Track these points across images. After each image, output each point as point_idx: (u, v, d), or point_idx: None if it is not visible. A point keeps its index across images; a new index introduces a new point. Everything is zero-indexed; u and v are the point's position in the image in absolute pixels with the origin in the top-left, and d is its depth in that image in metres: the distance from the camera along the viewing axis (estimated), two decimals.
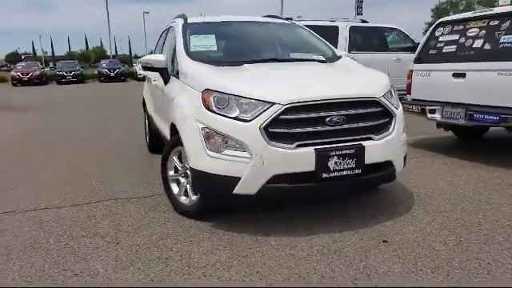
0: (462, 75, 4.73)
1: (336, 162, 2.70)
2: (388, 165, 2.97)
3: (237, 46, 4.03)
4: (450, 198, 3.60)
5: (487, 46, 4.59)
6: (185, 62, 3.44)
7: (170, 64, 3.80)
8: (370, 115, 2.88)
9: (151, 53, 5.74)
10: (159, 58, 3.69)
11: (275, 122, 2.64)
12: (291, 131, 2.67)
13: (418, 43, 9.56)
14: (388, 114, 2.96)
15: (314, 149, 2.68)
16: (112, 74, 29.27)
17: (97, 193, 3.96)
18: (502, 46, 4.41)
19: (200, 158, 2.82)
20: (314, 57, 3.80)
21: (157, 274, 2.42)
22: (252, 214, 3.23)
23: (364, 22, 9.76)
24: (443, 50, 5.14)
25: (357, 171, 2.79)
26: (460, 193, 3.73)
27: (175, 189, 3.38)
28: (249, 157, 2.65)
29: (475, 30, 4.80)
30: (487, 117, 4.36)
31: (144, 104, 5.90)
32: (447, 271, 2.37)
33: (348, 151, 2.73)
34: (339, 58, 3.82)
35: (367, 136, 2.85)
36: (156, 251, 2.71)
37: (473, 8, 57.99)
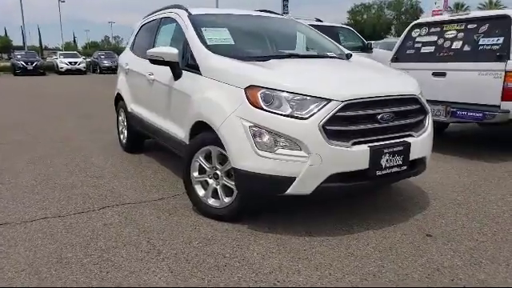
0: (443, 74, 5.03)
1: (387, 160, 2.72)
2: (422, 160, 3.06)
3: (251, 41, 3.89)
4: (455, 190, 3.82)
5: (467, 48, 4.93)
6: (208, 57, 3.24)
7: (180, 58, 3.54)
8: (410, 112, 2.94)
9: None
10: (171, 51, 3.43)
11: (332, 119, 2.58)
12: (347, 129, 2.64)
13: (369, 43, 10.13)
14: (423, 112, 3.04)
15: (368, 146, 2.67)
16: (30, 67, 26.73)
17: (96, 199, 3.60)
18: (481, 47, 4.76)
19: (248, 157, 2.67)
20: (329, 53, 3.80)
21: (228, 283, 2.26)
22: (283, 213, 3.16)
23: (318, 20, 9.98)
24: (421, 50, 5.43)
25: (403, 168, 2.83)
26: (461, 185, 3.96)
27: (200, 191, 3.18)
28: (305, 156, 2.56)
29: (453, 32, 5.13)
30: (470, 114, 4.68)
31: (117, 101, 5.48)
32: (505, 261, 2.49)
33: (398, 148, 2.76)
34: (351, 55, 3.85)
35: (408, 133, 2.91)
36: (209, 259, 2.53)
37: (383, 11, 62.19)
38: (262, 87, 2.68)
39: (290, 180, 2.61)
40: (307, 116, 2.57)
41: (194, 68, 3.35)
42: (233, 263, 2.47)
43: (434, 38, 5.33)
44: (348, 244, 2.71)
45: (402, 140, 2.82)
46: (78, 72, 27.48)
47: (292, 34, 4.19)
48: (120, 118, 5.45)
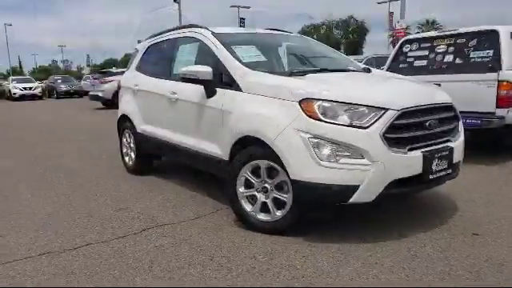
0: (437, 85, 5.35)
1: (437, 164, 2.88)
2: (459, 164, 3.25)
3: (279, 57, 3.99)
4: (471, 190, 4.05)
5: (458, 60, 5.30)
6: (248, 73, 3.30)
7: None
8: (448, 119, 3.14)
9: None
10: (206, 70, 3.46)
11: (390, 127, 2.71)
12: (403, 136, 2.77)
13: None
14: (457, 118, 3.25)
15: (421, 152, 2.81)
16: None
17: (130, 222, 3.50)
18: (473, 60, 5.15)
19: (309, 168, 2.73)
20: (351, 68, 3.97)
21: None
22: (331, 223, 3.23)
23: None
24: (414, 64, 5.78)
25: (448, 171, 3.00)
26: (474, 185, 4.21)
27: (248, 206, 3.19)
28: (368, 164, 2.66)
29: (443, 46, 5.51)
30: (469, 121, 5.01)
31: (121, 123, 5.37)
32: None
33: (444, 153, 2.93)
34: (369, 69, 4.05)
35: (448, 138, 3.10)
36: (283, 271, 2.54)
37: (332, 32, 64.94)
38: (318, 99, 2.78)
39: (353, 188, 2.69)
40: (367, 125, 2.68)
41: (230, 85, 3.40)
42: (309, 274, 2.50)
43: (426, 53, 5.69)
44: (407, 247, 2.82)
45: (446, 145, 3.00)
46: (34, 97, 26.34)
47: (309, 49, 4.34)
48: (124, 140, 5.33)
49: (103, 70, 19.45)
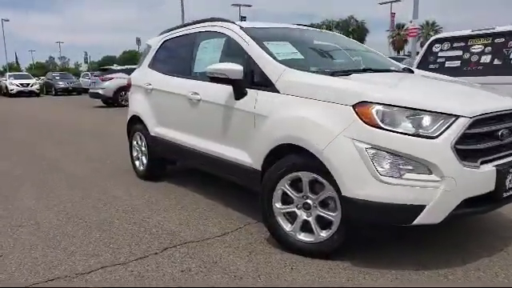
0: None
1: (510, 179, 2.49)
2: None
3: (315, 54, 3.59)
4: None
5: (497, 62, 4.91)
6: (287, 73, 2.90)
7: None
8: None
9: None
10: (236, 68, 3.06)
11: (462, 137, 2.32)
12: (475, 147, 2.38)
13: None
14: None
15: (494, 166, 2.42)
16: None
17: (148, 238, 3.10)
18: None
19: (367, 184, 2.34)
20: (392, 67, 3.59)
21: None
22: (379, 244, 2.85)
23: None
24: (446, 65, 5.39)
25: None
26: None
27: (286, 224, 2.80)
28: (437, 180, 2.27)
29: (479, 46, 5.13)
30: None
31: (131, 125, 4.96)
32: None
33: None
34: (411, 70, 3.67)
35: None
36: None
37: (332, 31, 64.67)
38: (377, 103, 2.38)
39: (419, 208, 2.30)
40: (436, 135, 2.29)
41: (264, 86, 3.00)
42: None
43: (459, 53, 5.31)
44: (476, 276, 2.43)
45: None
46: (31, 94, 25.84)
47: (344, 47, 3.94)
48: (135, 143, 4.92)
49: (103, 67, 18.98)
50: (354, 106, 2.43)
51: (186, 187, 4.41)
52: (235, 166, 3.27)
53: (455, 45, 5.41)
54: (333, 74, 2.91)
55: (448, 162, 2.27)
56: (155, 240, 3.06)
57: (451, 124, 2.31)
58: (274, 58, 3.05)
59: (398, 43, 54.99)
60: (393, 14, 45.97)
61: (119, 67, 18.04)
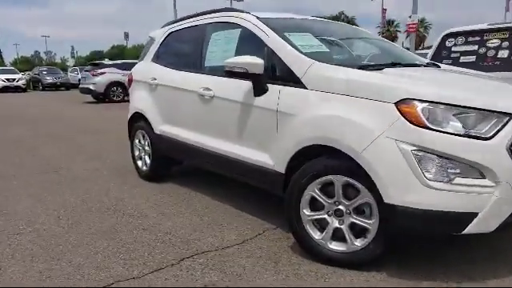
0: None
1: None
2: None
3: (340, 48, 3.35)
4: None
5: None
6: (315, 67, 2.66)
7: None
8: None
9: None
10: (256, 61, 2.81)
11: None
12: None
13: None
14: None
15: None
16: None
17: (162, 248, 2.86)
18: None
19: (413, 190, 2.12)
20: (418, 62, 3.37)
21: None
22: (414, 253, 2.63)
23: None
24: (461, 60, 5.20)
25: None
26: None
27: (315, 232, 2.57)
28: (491, 185, 2.06)
29: (496, 40, 4.95)
30: None
31: (133, 122, 4.68)
32: None
33: None
34: (437, 64, 3.46)
35: None
36: None
37: None
38: (422, 100, 2.16)
39: (470, 216, 2.09)
40: (489, 135, 2.08)
41: (288, 81, 2.77)
42: None
43: (474, 48, 5.13)
44: None
45: None
46: (18, 89, 25.19)
47: (365, 40, 3.71)
48: (137, 142, 4.64)
49: (94, 61, 18.50)
50: (396, 104, 2.20)
51: (192, 188, 4.16)
52: (253, 168, 3.03)
53: (470, 39, 5.22)
54: (365, 68, 2.68)
55: (504, 165, 2.06)
56: (169, 249, 2.81)
57: (505, 124, 2.10)
58: (299, 51, 2.80)
59: (388, 39, 55.14)
60: (384, 10, 45.93)
61: (111, 62, 17.59)
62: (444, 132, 2.10)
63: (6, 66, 58.32)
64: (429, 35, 51.23)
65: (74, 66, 44.71)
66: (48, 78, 26.95)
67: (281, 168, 2.77)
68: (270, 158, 2.87)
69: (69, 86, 27.17)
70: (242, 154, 3.14)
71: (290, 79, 2.75)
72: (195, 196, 3.96)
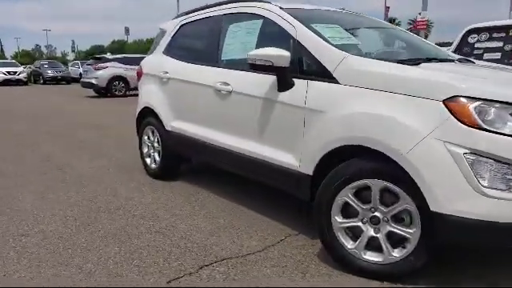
0: None
1: None
2: None
3: (370, 41, 3.14)
4: None
5: None
6: (349, 60, 2.44)
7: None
8: None
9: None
10: (282, 54, 2.59)
11: None
12: None
13: None
14: None
15: None
16: None
17: (178, 254, 2.66)
18: None
19: (465, 198, 1.91)
20: (450, 57, 3.16)
21: None
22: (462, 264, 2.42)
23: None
24: (484, 57, 4.96)
25: None
26: None
27: (347, 241, 2.36)
28: None
29: None
30: None
31: (142, 118, 4.46)
32: None
33: None
34: (469, 60, 3.24)
35: None
36: None
37: None
38: (475, 98, 1.94)
39: None
40: None
41: (318, 75, 2.56)
42: None
43: (500, 44, 4.89)
44: None
45: None
46: (19, 83, 24.93)
47: (391, 33, 3.48)
48: (146, 138, 4.43)
49: (97, 55, 18.24)
50: (445, 102, 1.98)
51: (203, 187, 3.96)
52: (275, 169, 2.82)
53: (495, 35, 4.99)
54: (403, 62, 2.46)
55: None
56: (186, 255, 2.60)
57: None
58: (330, 43, 2.58)
59: None
60: (387, 8, 45.59)
61: (113, 56, 17.34)
62: (500, 133, 1.89)
63: (6, 59, 58.01)
64: (431, 34, 51.00)
65: (75, 59, 44.38)
66: (49, 71, 26.68)
67: (307, 169, 2.56)
68: (295, 158, 2.66)
69: (69, 80, 26.92)
70: (262, 153, 2.93)
71: (320, 73, 2.54)
72: (208, 196, 3.75)
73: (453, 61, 3.00)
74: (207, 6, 3.85)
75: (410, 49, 3.24)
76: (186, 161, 4.26)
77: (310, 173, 2.55)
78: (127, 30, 64.61)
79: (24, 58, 75.68)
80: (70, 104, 13.27)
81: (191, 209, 3.44)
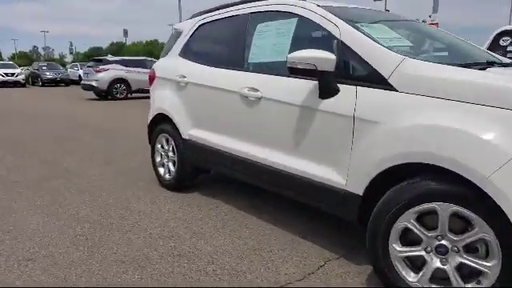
0: None
1: None
2: None
3: (421, 43, 2.83)
4: None
5: None
6: (408, 64, 2.14)
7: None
8: None
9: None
10: (327, 56, 2.29)
11: None
12: None
13: None
14: None
15: None
16: None
17: (201, 281, 2.32)
18: None
19: None
20: (504, 61, 2.86)
21: None
22: None
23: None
24: None
25: None
26: None
27: (407, 273, 2.05)
28: None
29: None
30: None
31: (155, 125, 4.14)
32: None
33: None
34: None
35: None
36: None
37: None
38: None
39: None
40: None
41: (369, 81, 2.25)
42: None
43: None
44: None
45: None
46: (16, 85, 24.56)
47: (439, 36, 3.18)
48: (159, 147, 4.11)
49: (97, 57, 17.90)
50: None
51: (223, 200, 3.66)
52: (313, 185, 2.52)
53: None
54: (469, 67, 2.16)
55: None
56: (217, 285, 2.27)
57: None
58: (381, 45, 2.27)
59: None
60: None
61: (114, 58, 17.01)
62: None
63: (4, 60, 57.54)
64: None
65: (73, 61, 44.01)
66: (48, 73, 26.31)
67: (357, 189, 2.25)
68: (340, 174, 2.35)
69: (68, 82, 26.58)
70: (299, 168, 2.62)
71: (371, 79, 2.23)
72: (230, 211, 3.44)
73: (508, 65, 2.70)
74: (230, 5, 3.54)
75: (458, 52, 2.93)
76: (203, 172, 3.93)
77: (360, 193, 2.24)
78: (126, 32, 64.44)
79: (21, 59, 75.30)
80: (72, 107, 12.92)
81: (213, 226, 3.12)
